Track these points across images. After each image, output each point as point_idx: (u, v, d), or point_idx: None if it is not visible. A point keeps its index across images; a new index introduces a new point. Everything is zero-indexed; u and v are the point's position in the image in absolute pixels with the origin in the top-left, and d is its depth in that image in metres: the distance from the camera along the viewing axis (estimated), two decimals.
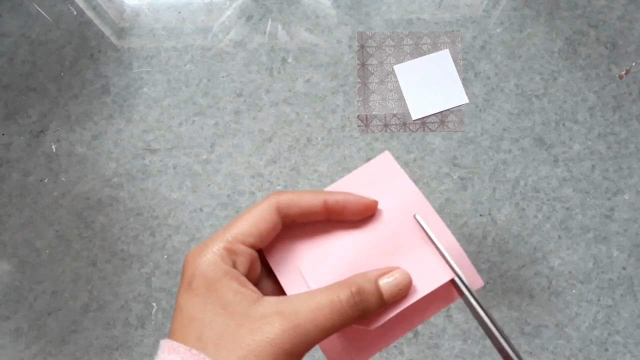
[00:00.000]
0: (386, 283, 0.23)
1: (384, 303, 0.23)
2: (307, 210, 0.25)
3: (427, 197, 0.81)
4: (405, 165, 0.83)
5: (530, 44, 0.87)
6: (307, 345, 0.21)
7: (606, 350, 0.76)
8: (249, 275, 0.24)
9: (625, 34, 0.87)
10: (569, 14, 0.89)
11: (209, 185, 0.83)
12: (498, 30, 0.88)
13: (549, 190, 0.81)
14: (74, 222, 0.82)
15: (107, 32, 0.90)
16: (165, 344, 0.22)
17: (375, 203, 0.26)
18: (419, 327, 0.77)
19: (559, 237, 0.80)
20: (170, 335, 0.23)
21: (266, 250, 0.26)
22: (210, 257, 0.23)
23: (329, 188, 0.27)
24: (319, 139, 0.84)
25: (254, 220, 0.24)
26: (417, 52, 0.87)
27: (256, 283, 0.26)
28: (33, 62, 0.88)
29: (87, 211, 0.82)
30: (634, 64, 0.86)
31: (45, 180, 0.84)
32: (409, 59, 0.87)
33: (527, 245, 0.80)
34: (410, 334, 0.76)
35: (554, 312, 0.77)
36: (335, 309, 0.22)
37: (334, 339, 0.25)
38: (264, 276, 0.27)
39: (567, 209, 0.81)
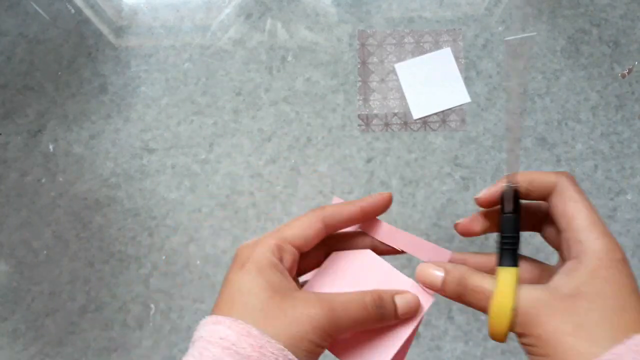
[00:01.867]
0: (401, 298, 0.29)
1: (397, 315, 0.28)
2: (348, 217, 0.30)
3: (429, 198, 0.81)
4: (406, 165, 0.82)
5: (532, 43, 0.87)
6: (339, 329, 0.26)
7: None
8: (289, 273, 0.28)
9: (628, 32, 0.87)
10: (571, 13, 0.88)
11: (207, 185, 0.82)
12: (500, 28, 0.87)
13: None
14: (71, 223, 0.81)
15: (105, 30, 0.89)
16: (210, 318, 0.26)
17: (389, 195, 0.32)
18: (420, 329, 0.76)
19: None
20: (214, 309, 0.26)
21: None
22: (263, 248, 0.27)
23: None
24: (319, 138, 0.83)
25: (302, 225, 0.29)
26: (418, 50, 0.86)
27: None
28: (30, 61, 0.88)
29: (84, 211, 0.81)
30: (636, 62, 0.85)
31: (43, 180, 0.83)
32: (410, 58, 0.86)
33: (529, 246, 0.79)
34: None
35: None
36: (362, 306, 0.27)
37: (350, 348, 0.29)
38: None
39: None
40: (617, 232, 0.79)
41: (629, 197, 0.80)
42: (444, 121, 0.83)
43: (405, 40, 0.87)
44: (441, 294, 0.29)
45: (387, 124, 0.83)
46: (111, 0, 0.91)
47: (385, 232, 0.32)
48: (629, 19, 0.87)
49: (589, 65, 0.85)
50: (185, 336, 0.76)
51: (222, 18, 0.89)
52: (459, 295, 0.28)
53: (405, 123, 0.83)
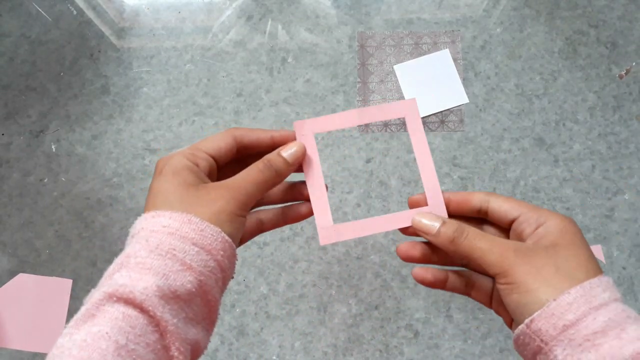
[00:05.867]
0: (285, 151, 0.34)
1: (288, 163, 0.33)
2: (257, 138, 0.35)
3: None
4: (405, 165, 0.83)
5: (530, 44, 0.87)
6: (248, 194, 0.31)
7: None
8: (209, 177, 0.32)
9: (626, 33, 0.87)
10: (569, 14, 0.89)
11: None
12: (498, 30, 0.88)
13: (549, 190, 0.81)
14: (73, 222, 0.82)
15: (107, 32, 0.90)
16: (146, 214, 0.29)
17: (293, 135, 0.36)
18: (419, 327, 0.77)
19: None
20: (145, 210, 0.30)
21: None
22: (178, 156, 0.31)
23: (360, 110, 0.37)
24: (319, 138, 0.84)
25: (215, 139, 0.33)
26: (417, 51, 0.87)
27: None
28: (33, 62, 0.89)
29: (87, 211, 0.82)
30: (634, 63, 0.86)
31: (45, 180, 0.84)
32: (409, 59, 0.87)
33: None
34: (410, 334, 0.76)
35: None
36: (257, 171, 0.32)
37: (329, 222, 0.35)
38: None
39: (568, 209, 0.81)
40: (615, 231, 0.80)
41: (626, 197, 0.81)
42: (442, 122, 0.84)
43: (404, 41, 0.88)
44: (432, 240, 0.33)
45: (386, 125, 0.84)
46: (113, 2, 0.92)
47: (315, 174, 0.36)
48: (627, 20, 0.88)
49: (587, 66, 0.86)
50: None
51: (223, 20, 0.90)
52: (453, 243, 0.31)
53: (404, 124, 0.84)
